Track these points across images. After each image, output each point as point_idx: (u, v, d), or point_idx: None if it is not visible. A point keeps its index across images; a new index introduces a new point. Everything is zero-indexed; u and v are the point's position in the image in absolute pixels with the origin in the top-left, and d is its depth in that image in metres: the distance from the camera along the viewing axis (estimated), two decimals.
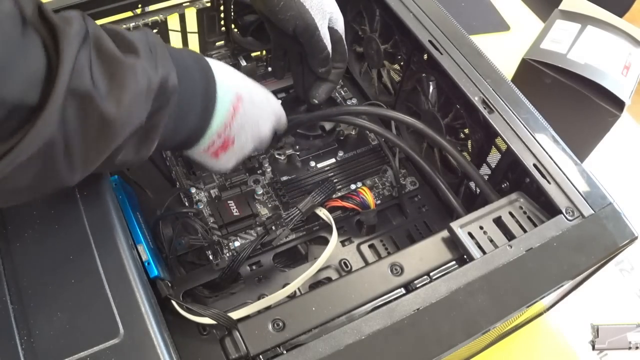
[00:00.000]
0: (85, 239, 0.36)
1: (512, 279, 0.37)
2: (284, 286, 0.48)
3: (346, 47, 0.52)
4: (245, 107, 0.42)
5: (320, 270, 0.49)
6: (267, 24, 0.50)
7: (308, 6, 0.46)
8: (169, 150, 0.43)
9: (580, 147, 0.66)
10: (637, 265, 0.63)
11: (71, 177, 0.32)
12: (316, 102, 0.53)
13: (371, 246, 0.54)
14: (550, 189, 0.42)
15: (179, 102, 0.36)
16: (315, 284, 0.51)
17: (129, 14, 0.58)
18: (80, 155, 0.31)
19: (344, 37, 0.51)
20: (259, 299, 0.49)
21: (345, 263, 0.53)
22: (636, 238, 0.40)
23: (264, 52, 0.68)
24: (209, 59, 0.41)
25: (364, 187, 0.56)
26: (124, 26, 0.57)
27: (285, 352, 0.34)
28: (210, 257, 0.51)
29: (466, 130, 0.53)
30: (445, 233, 0.42)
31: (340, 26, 0.50)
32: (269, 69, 0.68)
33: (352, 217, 0.56)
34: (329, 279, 0.51)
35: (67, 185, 0.32)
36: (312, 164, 0.59)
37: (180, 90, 0.36)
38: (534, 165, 0.43)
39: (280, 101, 0.50)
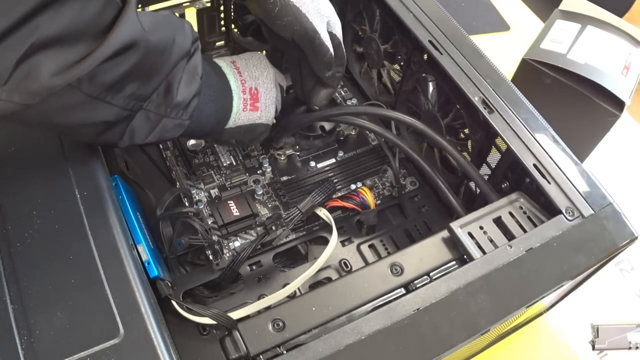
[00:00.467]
0: (85, 239, 0.36)
1: (512, 279, 0.37)
2: (284, 286, 0.48)
3: (344, 51, 0.52)
4: (240, 62, 0.50)
5: (320, 270, 0.49)
6: (264, 29, 0.50)
7: (305, 11, 0.46)
8: (221, 134, 0.49)
9: (580, 147, 0.66)
10: (637, 265, 0.63)
11: (149, 82, 0.37)
12: (317, 108, 0.53)
13: (371, 246, 0.54)
14: (550, 189, 0.42)
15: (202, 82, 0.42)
16: (315, 284, 0.51)
17: None
18: (156, 59, 0.36)
19: (342, 41, 0.51)
20: (259, 299, 0.49)
21: (345, 263, 0.53)
22: (636, 238, 0.40)
23: (264, 52, 0.68)
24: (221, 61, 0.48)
25: (364, 187, 0.56)
26: None
27: (285, 352, 0.34)
28: (210, 257, 0.51)
29: (466, 130, 0.53)
30: (445, 233, 0.42)
31: (338, 31, 0.50)
32: None
33: (352, 217, 0.56)
34: (329, 279, 0.51)
35: (150, 89, 0.37)
36: (312, 164, 0.59)
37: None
38: (534, 165, 0.43)
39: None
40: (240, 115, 0.48)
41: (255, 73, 0.49)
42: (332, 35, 0.50)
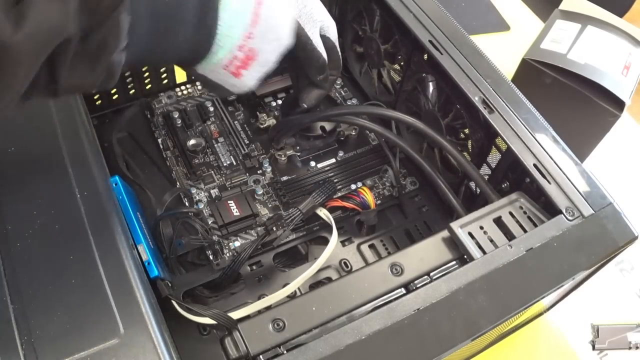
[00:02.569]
0: (85, 239, 0.36)
1: (512, 279, 0.37)
2: (284, 286, 0.48)
3: (340, 54, 0.52)
4: (267, 11, 0.36)
5: (320, 270, 0.49)
6: None
7: (296, 16, 0.45)
8: (173, 63, 0.39)
9: (580, 147, 0.66)
10: (637, 265, 0.63)
11: None
12: (305, 106, 0.53)
13: (371, 246, 0.54)
14: (551, 189, 0.42)
15: (153, 11, 0.31)
16: (315, 284, 0.51)
17: None
18: None
19: (337, 44, 0.51)
20: (259, 299, 0.49)
21: (345, 263, 0.53)
22: (636, 238, 0.40)
23: None
24: None
25: (364, 187, 0.56)
26: None
27: (285, 352, 0.34)
28: (211, 257, 0.51)
29: (466, 130, 0.53)
30: (445, 233, 0.42)
31: (332, 34, 0.50)
32: None
33: (352, 217, 0.56)
34: (329, 279, 0.51)
35: None
36: (313, 164, 0.59)
37: None
38: (534, 165, 0.43)
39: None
40: (217, 70, 0.38)
41: (271, 33, 0.36)
42: (326, 39, 0.49)
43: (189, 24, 0.33)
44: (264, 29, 0.36)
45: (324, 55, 0.49)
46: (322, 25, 0.48)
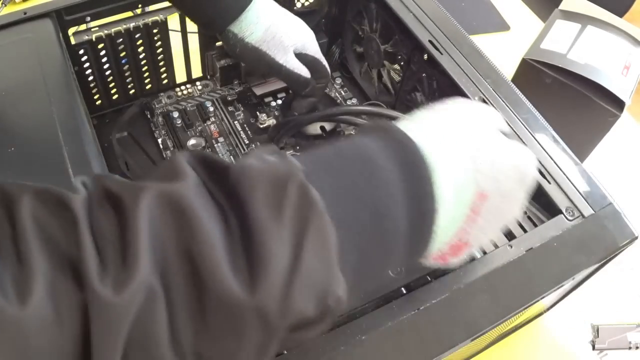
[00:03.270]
0: None
1: (512, 279, 0.37)
2: None
3: (324, 62, 0.53)
4: (491, 205, 0.29)
5: None
6: None
7: (266, 48, 0.47)
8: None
9: (580, 147, 0.66)
10: (637, 265, 0.63)
11: None
12: (296, 114, 0.55)
13: None
14: (551, 189, 0.42)
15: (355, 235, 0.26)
16: None
17: (129, 14, 0.58)
18: None
19: (317, 55, 0.52)
20: None
21: None
22: (636, 238, 0.40)
23: None
24: (424, 136, 0.29)
25: None
26: (124, 26, 0.56)
27: (285, 351, 0.34)
28: None
29: None
30: None
31: (310, 48, 0.51)
32: None
33: None
34: None
35: None
36: None
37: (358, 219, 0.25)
38: None
39: None
40: (424, 259, 0.32)
41: (491, 225, 0.31)
42: (303, 56, 0.51)
43: (400, 234, 0.27)
44: (482, 224, 0.30)
45: (304, 73, 0.50)
46: (296, 46, 0.50)
